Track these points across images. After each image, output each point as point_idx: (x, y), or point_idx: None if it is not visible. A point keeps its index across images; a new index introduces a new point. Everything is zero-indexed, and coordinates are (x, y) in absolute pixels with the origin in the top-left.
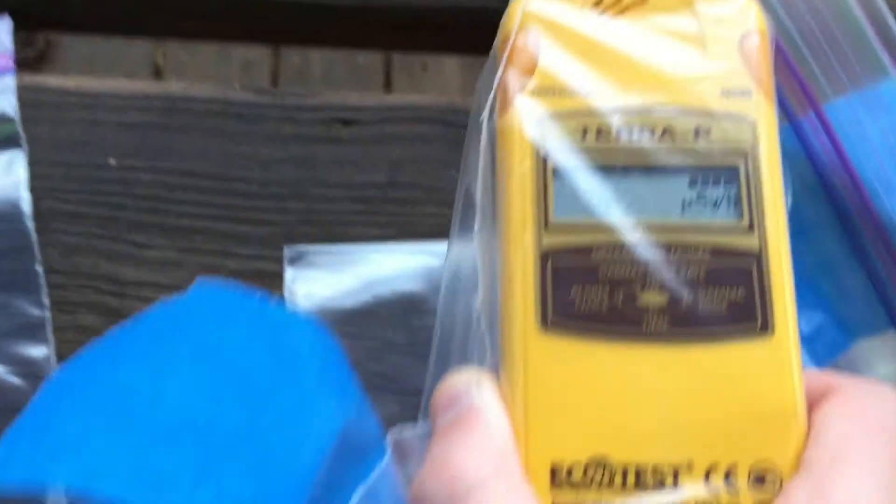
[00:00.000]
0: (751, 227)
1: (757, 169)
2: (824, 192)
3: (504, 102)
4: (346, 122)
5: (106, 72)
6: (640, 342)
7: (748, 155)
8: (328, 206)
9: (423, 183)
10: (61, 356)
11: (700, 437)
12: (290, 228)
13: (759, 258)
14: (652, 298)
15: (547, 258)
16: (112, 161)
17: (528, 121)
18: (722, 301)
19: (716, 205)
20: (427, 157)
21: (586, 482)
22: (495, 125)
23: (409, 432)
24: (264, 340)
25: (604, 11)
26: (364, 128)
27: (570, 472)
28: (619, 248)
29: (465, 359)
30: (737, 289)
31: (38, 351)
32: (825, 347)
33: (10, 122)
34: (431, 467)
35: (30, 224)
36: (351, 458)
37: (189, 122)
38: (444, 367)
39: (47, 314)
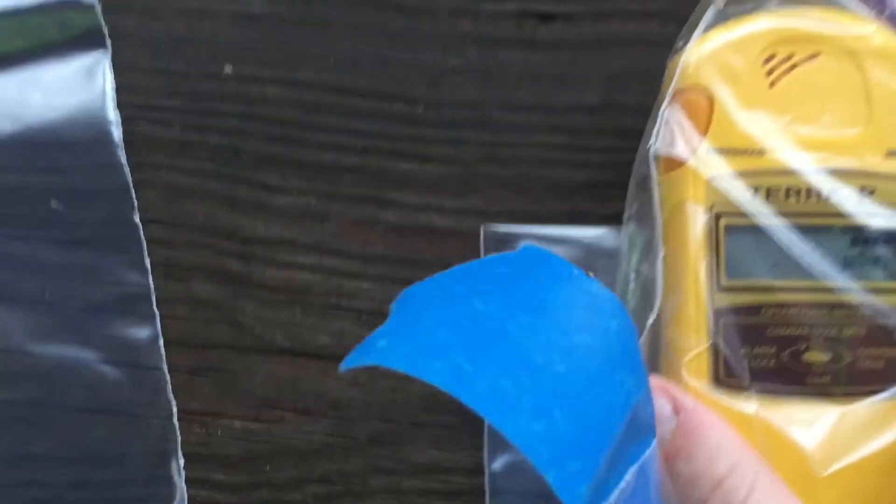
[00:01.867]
0: None
1: None
2: None
3: (689, 149)
4: (545, 18)
5: None
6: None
7: None
8: (520, 136)
9: (650, 105)
10: (170, 340)
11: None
12: (468, 168)
13: None
14: (815, 357)
15: (719, 317)
16: (228, 69)
17: (704, 176)
18: (880, 360)
19: (875, 264)
20: (656, 69)
21: None
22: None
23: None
24: (582, 309)
25: (774, 68)
26: (570, 26)
27: None
28: (785, 307)
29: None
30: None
31: (140, 331)
32: None
33: (88, 11)
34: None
35: (121, 155)
36: (632, 437)
37: (332, 16)
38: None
39: (150, 281)
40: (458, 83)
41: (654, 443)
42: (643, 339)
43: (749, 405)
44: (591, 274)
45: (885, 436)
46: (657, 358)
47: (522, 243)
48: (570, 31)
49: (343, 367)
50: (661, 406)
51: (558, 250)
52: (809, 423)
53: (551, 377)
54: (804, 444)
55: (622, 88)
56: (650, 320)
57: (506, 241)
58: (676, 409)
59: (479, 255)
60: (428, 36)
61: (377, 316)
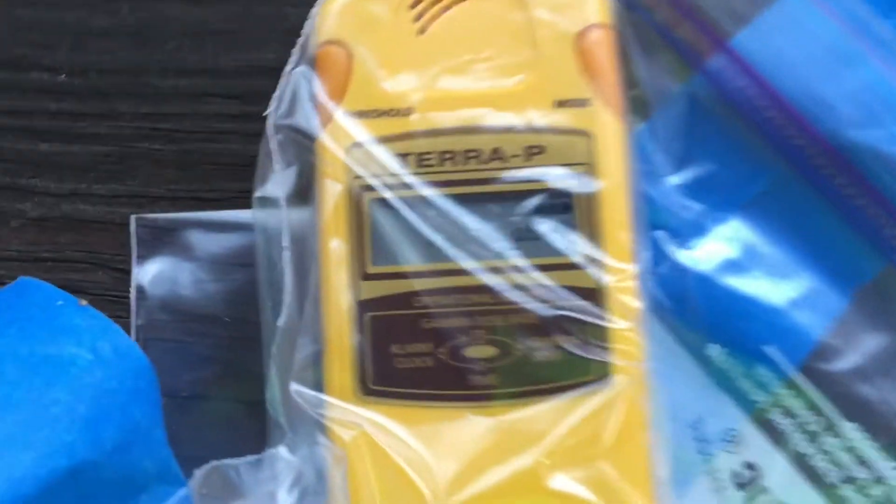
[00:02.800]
0: (589, 260)
1: (596, 192)
2: (758, 137)
3: (323, 117)
4: None
5: None
6: (469, 403)
7: (585, 176)
8: (184, 106)
9: None
10: None
11: None
12: (121, 146)
13: (597, 297)
14: (480, 352)
15: (364, 311)
16: None
17: (342, 146)
18: (556, 350)
19: (550, 236)
20: None
21: None
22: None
23: (234, 462)
24: (69, 341)
25: (423, 12)
26: None
27: None
28: (442, 294)
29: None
30: (572, 335)
31: None
32: (823, 312)
33: None
34: None
35: None
36: (114, 491)
37: None
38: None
39: None
40: (108, 46)
41: (184, 491)
42: (275, 346)
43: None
44: (84, 302)
45: (543, 446)
46: (295, 366)
47: (186, 232)
48: None
49: None
50: None
51: (231, 238)
52: (456, 438)
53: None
54: (433, 464)
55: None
56: (280, 321)
57: (166, 231)
58: None
59: (129, 249)
60: None
61: None
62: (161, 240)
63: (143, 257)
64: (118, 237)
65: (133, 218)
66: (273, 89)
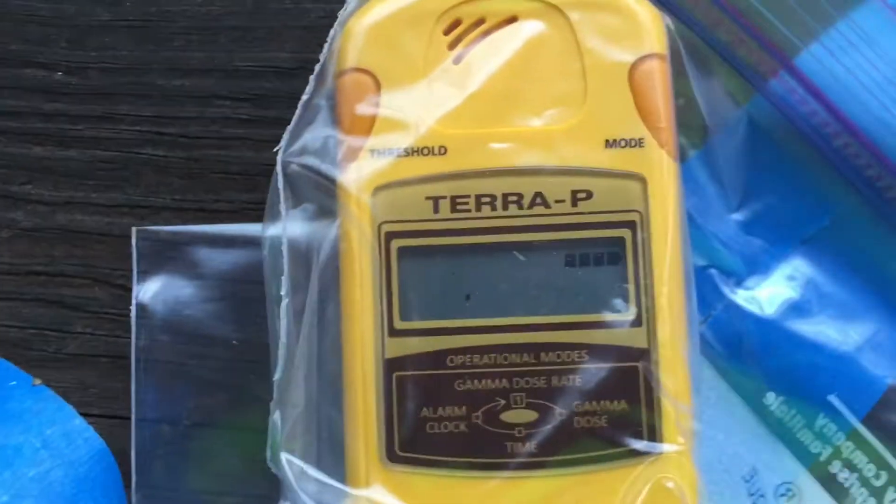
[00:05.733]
0: (637, 319)
1: (647, 243)
2: (818, 161)
3: (344, 155)
4: None
5: None
6: (506, 472)
7: (638, 224)
8: (191, 108)
9: None
10: None
11: None
12: (122, 152)
13: (647, 358)
14: (519, 417)
15: (392, 370)
16: None
17: (367, 187)
18: (601, 416)
19: (597, 292)
20: None
21: None
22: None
23: None
24: (23, 430)
25: (459, 38)
26: None
27: None
28: (478, 353)
29: None
30: (619, 400)
31: None
32: (893, 356)
33: None
34: None
35: None
36: None
37: None
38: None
39: None
40: (109, 41)
41: None
42: (273, 403)
43: (432, 486)
44: (38, 382)
45: None
46: (284, 433)
47: (192, 247)
48: None
49: None
50: None
51: (239, 253)
52: None
53: None
54: None
55: (321, 44)
56: (276, 376)
57: (170, 245)
58: None
59: (130, 263)
60: None
61: (2, 346)
62: (164, 254)
63: (145, 273)
64: (118, 250)
65: (134, 230)
66: (288, 92)
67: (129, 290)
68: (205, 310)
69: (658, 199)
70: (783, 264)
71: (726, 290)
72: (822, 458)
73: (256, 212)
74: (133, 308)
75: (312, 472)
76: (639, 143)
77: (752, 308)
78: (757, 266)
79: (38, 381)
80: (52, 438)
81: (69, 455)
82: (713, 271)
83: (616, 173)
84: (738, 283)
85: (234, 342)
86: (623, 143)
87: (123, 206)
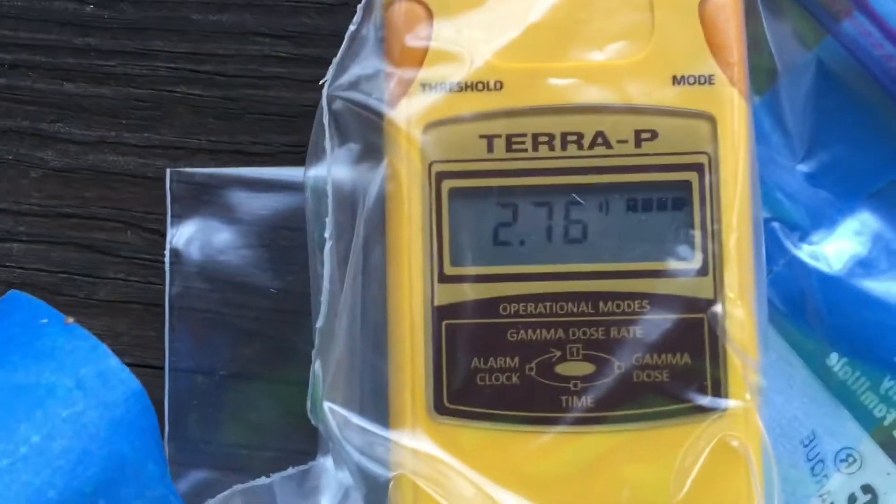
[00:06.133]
0: (704, 268)
1: (716, 187)
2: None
3: (394, 90)
4: None
5: None
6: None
7: (705, 167)
8: (228, 45)
9: None
10: None
11: None
12: (155, 90)
13: (713, 309)
14: (575, 369)
15: (442, 318)
16: None
17: (418, 124)
18: (663, 370)
19: (660, 238)
20: None
21: None
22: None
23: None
24: (58, 363)
25: None
26: None
27: None
28: (532, 301)
29: None
30: (682, 354)
31: None
32: None
33: None
34: None
35: None
36: None
37: None
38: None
39: None
40: None
41: None
42: (315, 351)
43: (480, 440)
44: (70, 320)
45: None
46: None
47: (228, 190)
48: None
49: None
50: None
51: (278, 198)
52: (562, 464)
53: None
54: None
55: None
56: (319, 323)
57: (206, 188)
58: None
59: (164, 206)
60: None
61: (31, 290)
62: (200, 198)
63: (180, 217)
64: (151, 193)
65: (169, 172)
66: (330, 29)
67: (163, 234)
68: (242, 256)
69: (728, 140)
70: (850, 218)
71: (789, 244)
72: (886, 423)
73: (295, 155)
74: (167, 253)
75: (357, 420)
76: (708, 80)
77: (817, 264)
78: (822, 220)
79: (70, 320)
80: (87, 378)
81: (104, 396)
82: (776, 224)
83: (683, 112)
84: (803, 237)
85: (273, 290)
86: (692, 80)
87: (157, 146)
